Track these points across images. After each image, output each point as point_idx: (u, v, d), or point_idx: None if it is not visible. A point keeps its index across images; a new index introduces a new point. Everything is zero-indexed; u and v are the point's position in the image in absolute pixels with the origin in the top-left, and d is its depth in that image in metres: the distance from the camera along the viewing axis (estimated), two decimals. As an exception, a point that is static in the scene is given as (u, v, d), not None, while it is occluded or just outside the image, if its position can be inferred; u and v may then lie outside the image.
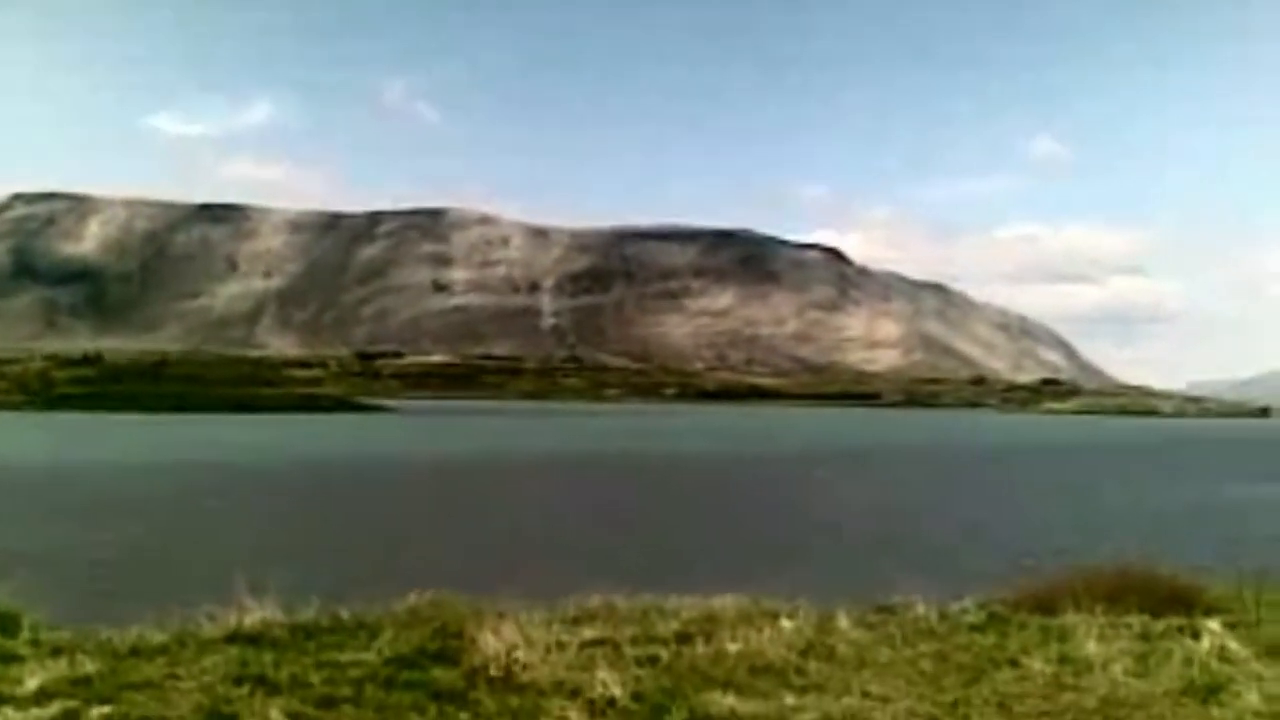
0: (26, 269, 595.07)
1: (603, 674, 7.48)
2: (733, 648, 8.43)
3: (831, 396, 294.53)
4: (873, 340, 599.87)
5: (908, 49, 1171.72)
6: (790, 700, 7.21)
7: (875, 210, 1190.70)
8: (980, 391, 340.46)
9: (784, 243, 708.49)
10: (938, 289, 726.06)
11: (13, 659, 7.88)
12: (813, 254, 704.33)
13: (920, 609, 10.09)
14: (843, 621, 9.51)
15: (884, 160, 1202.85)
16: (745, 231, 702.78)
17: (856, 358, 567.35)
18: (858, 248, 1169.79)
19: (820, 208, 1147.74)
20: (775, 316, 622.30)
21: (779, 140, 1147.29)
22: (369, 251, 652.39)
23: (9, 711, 6.57)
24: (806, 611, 9.82)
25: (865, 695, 7.41)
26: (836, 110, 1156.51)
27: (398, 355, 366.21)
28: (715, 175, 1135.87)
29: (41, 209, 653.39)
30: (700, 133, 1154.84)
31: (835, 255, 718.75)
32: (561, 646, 8.30)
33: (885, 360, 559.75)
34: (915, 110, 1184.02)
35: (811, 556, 27.96)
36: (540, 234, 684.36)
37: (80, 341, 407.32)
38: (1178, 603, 10.75)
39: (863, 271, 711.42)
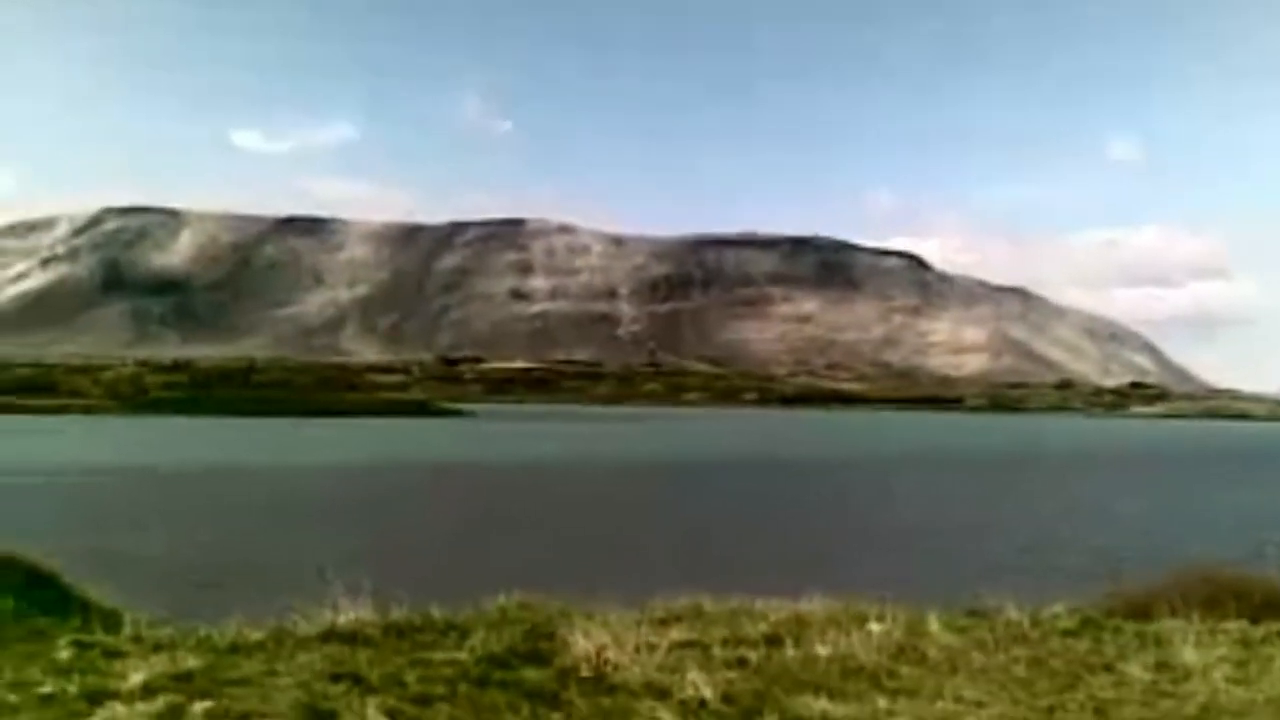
0: (118, 280, 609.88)
1: (693, 675, 7.49)
2: (823, 650, 8.39)
3: (914, 401, 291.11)
4: (958, 345, 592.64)
5: (977, 53, 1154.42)
6: (882, 704, 7.17)
7: (950, 215, 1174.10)
8: (1066, 396, 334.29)
9: (862, 249, 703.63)
10: (1019, 293, 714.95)
11: (116, 655, 8.08)
12: (892, 259, 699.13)
13: (1012, 613, 9.97)
14: (933, 625, 9.42)
15: (958, 164, 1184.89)
16: (822, 238, 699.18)
17: (940, 362, 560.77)
18: (934, 253, 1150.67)
19: (894, 213, 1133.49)
20: (857, 322, 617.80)
21: (851, 146, 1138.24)
22: (450, 261, 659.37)
23: (115, 706, 6.74)
24: (896, 615, 9.74)
25: (958, 700, 7.34)
26: (907, 115, 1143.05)
27: (479, 361, 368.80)
28: (787, 182, 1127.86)
29: (133, 222, 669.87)
30: (772, 139, 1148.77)
31: (915, 260, 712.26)
32: (651, 648, 8.32)
33: (971, 365, 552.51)
34: (987, 114, 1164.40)
35: (898, 560, 27.71)
36: (618, 242, 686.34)
37: (169, 350, 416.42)
38: (1275, 609, 10.51)
39: (943, 277, 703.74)
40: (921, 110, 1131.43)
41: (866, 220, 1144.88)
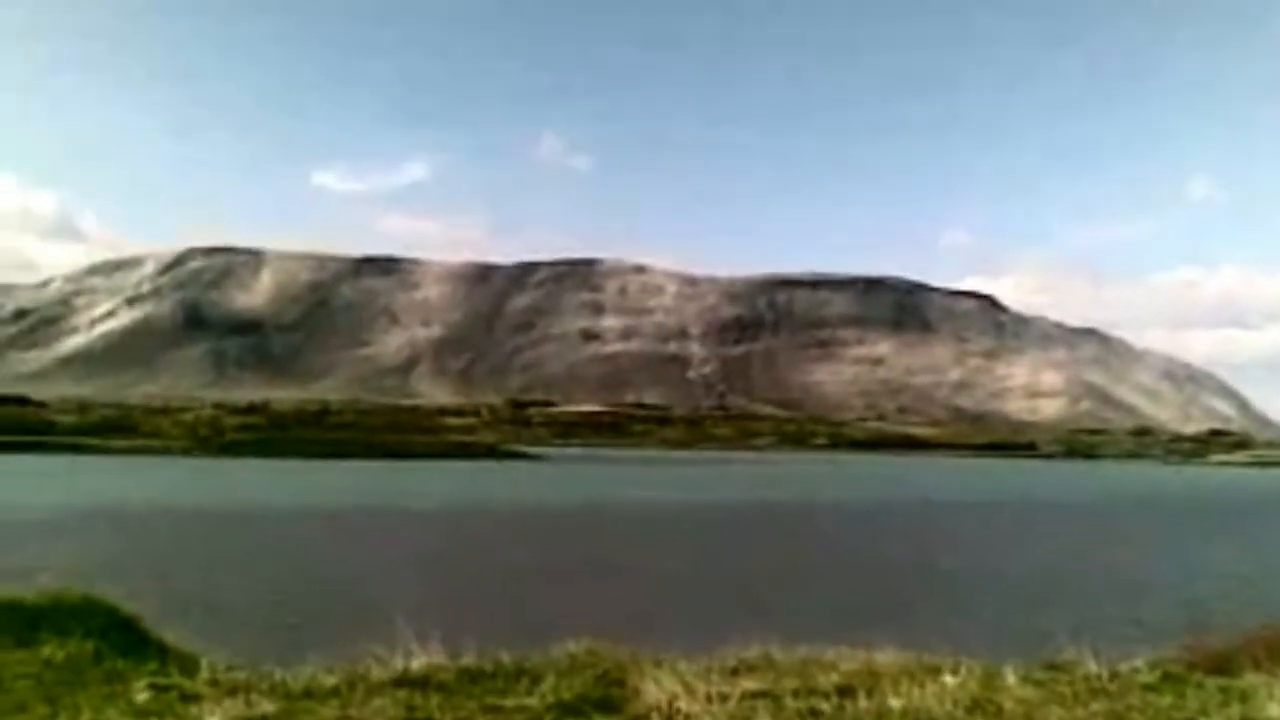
0: (199, 320, 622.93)
1: (765, 726, 7.44)
2: (896, 703, 8.27)
3: (987, 447, 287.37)
4: (1034, 389, 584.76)
5: (1053, 92, 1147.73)
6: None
7: (1024, 255, 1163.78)
8: (1144, 442, 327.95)
9: (935, 289, 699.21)
10: (1096, 335, 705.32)
11: (193, 698, 8.21)
12: (966, 301, 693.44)
13: (1090, 666, 9.75)
14: (1009, 678, 9.25)
15: (1033, 204, 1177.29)
16: (895, 278, 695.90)
17: (1016, 407, 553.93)
18: (1008, 294, 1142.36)
19: (968, 254, 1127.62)
20: (930, 365, 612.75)
21: (924, 186, 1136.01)
22: (522, 301, 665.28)
23: (192, 749, 6.84)
24: (970, 667, 9.59)
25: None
26: (981, 154, 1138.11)
27: (549, 404, 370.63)
28: (860, 222, 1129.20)
29: (215, 262, 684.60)
30: (845, 180, 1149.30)
31: (990, 302, 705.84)
32: (722, 697, 8.26)
33: (1047, 410, 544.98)
34: (1061, 154, 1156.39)
35: (973, 610, 27.30)
36: (691, 282, 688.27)
37: (247, 390, 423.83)
38: (1367, 666, 10.19)
39: (1018, 318, 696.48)
40: (996, 149, 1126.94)
41: (940, 261, 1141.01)
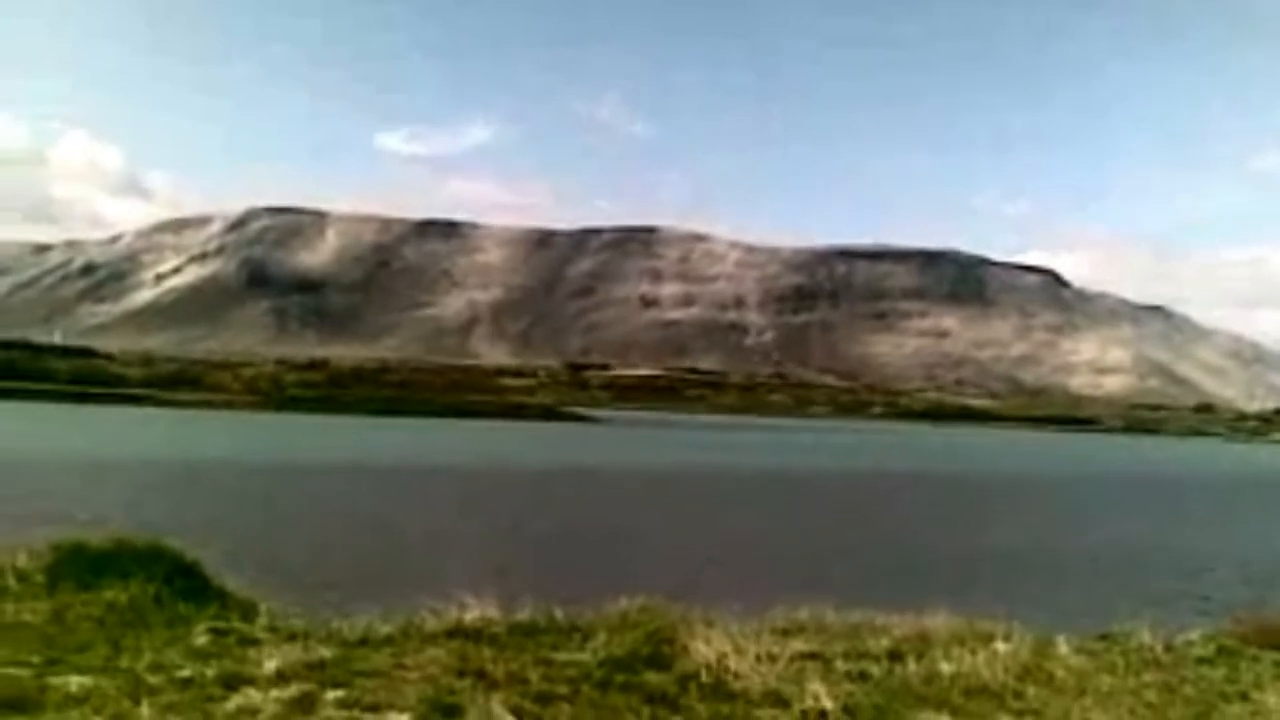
0: (260, 279, 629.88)
1: (814, 686, 7.46)
2: (946, 668, 8.27)
3: (1046, 420, 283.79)
4: (1100, 365, 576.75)
5: (1119, 65, 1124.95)
6: (1007, 723, 7.04)
7: (1087, 230, 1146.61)
8: (1206, 420, 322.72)
9: (996, 264, 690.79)
10: (1161, 312, 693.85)
11: (252, 643, 8.39)
12: (1027, 275, 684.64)
13: (1144, 638, 9.68)
14: (1061, 647, 9.22)
15: (1096, 179, 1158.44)
16: (956, 252, 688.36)
17: (1080, 382, 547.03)
18: (1070, 269, 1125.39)
19: (1030, 228, 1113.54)
20: (992, 338, 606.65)
21: (987, 159, 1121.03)
22: (582, 266, 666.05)
23: (250, 691, 6.99)
24: (1022, 635, 9.55)
25: (1086, 723, 7.17)
26: (1044, 127, 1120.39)
27: (606, 367, 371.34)
28: (921, 195, 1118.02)
29: (279, 222, 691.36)
30: (904, 150, 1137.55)
31: (1052, 277, 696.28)
32: (771, 657, 8.31)
33: (1112, 386, 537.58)
34: (1127, 127, 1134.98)
35: (1025, 581, 27.09)
36: (750, 251, 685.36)
37: (307, 348, 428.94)
38: None
39: (1081, 294, 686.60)
40: (1060, 123, 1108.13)
41: (1001, 234, 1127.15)
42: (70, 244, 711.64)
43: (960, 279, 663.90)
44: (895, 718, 6.98)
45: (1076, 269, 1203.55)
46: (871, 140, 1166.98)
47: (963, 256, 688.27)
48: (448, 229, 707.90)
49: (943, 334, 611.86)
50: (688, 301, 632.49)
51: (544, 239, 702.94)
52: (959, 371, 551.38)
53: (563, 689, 7.40)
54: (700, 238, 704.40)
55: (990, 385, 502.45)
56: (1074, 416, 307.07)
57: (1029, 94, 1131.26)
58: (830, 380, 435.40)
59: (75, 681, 6.95)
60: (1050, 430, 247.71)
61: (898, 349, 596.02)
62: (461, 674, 7.59)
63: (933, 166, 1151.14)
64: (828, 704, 7.16)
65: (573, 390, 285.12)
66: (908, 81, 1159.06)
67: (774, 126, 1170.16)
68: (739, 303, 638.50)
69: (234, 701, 6.75)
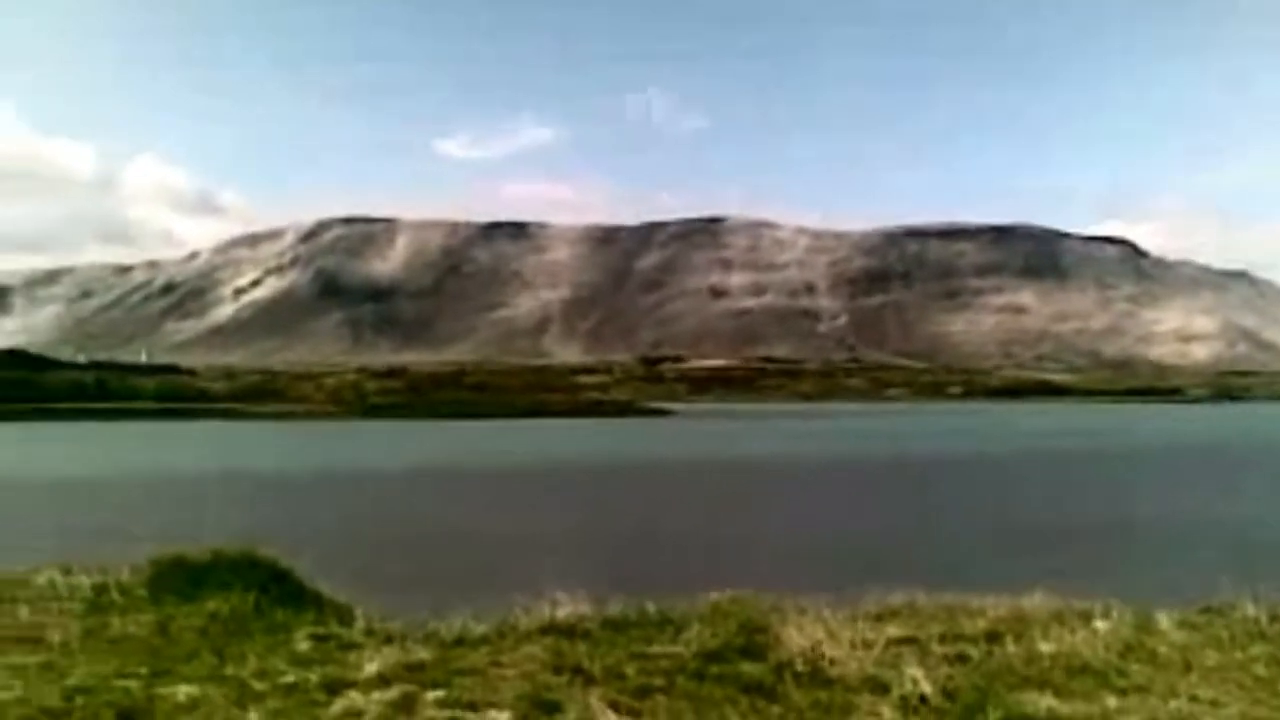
0: (333, 289, 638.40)
1: (911, 671, 7.40)
2: (1046, 648, 8.16)
3: (1130, 393, 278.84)
4: (1186, 334, 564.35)
5: (1183, 33, 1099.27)
6: (1112, 702, 6.92)
7: (1162, 199, 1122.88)
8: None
9: (1070, 236, 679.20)
10: (1244, 278, 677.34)
11: (351, 647, 8.53)
12: (1103, 246, 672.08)
13: (1249, 610, 9.46)
14: (1163, 623, 9.05)
15: (1169, 146, 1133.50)
16: (1028, 226, 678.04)
17: (1164, 352, 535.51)
18: (1148, 238, 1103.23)
19: (1103, 198, 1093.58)
20: (1071, 312, 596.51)
21: (1055, 130, 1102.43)
22: (649, 260, 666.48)
23: (353, 694, 7.11)
24: (1122, 612, 9.41)
25: (1193, 699, 7.03)
26: (1114, 96, 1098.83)
27: (679, 360, 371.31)
28: (990, 171, 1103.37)
29: (348, 232, 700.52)
30: (970, 126, 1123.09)
31: (1129, 247, 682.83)
32: (867, 644, 8.26)
33: (1199, 354, 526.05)
34: (1198, 94, 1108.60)
35: (1122, 557, 26.65)
36: (817, 236, 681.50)
37: (382, 355, 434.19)
38: None
39: (1160, 263, 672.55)
40: (1129, 91, 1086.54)
41: (1074, 206, 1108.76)
42: (151, 264, 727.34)
43: (1035, 253, 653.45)
44: (996, 700, 6.89)
45: (1152, 239, 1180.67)
46: (936, 118, 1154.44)
47: (1036, 230, 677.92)
48: (514, 230, 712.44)
49: (1019, 310, 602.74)
50: (758, 290, 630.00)
51: (610, 235, 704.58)
52: (1037, 347, 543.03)
53: (659, 682, 7.42)
54: (767, 225, 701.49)
55: (1070, 360, 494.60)
56: (1157, 387, 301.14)
57: (1098, 67, 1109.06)
58: (906, 362, 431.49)
59: (183, 691, 7.11)
60: (1134, 402, 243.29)
61: (974, 327, 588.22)
62: (558, 670, 7.65)
63: (999, 142, 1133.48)
64: (927, 688, 7.10)
65: (647, 385, 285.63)
66: (971, 58, 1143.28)
67: (833, 110, 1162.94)
68: (810, 289, 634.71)
69: (338, 705, 6.86)
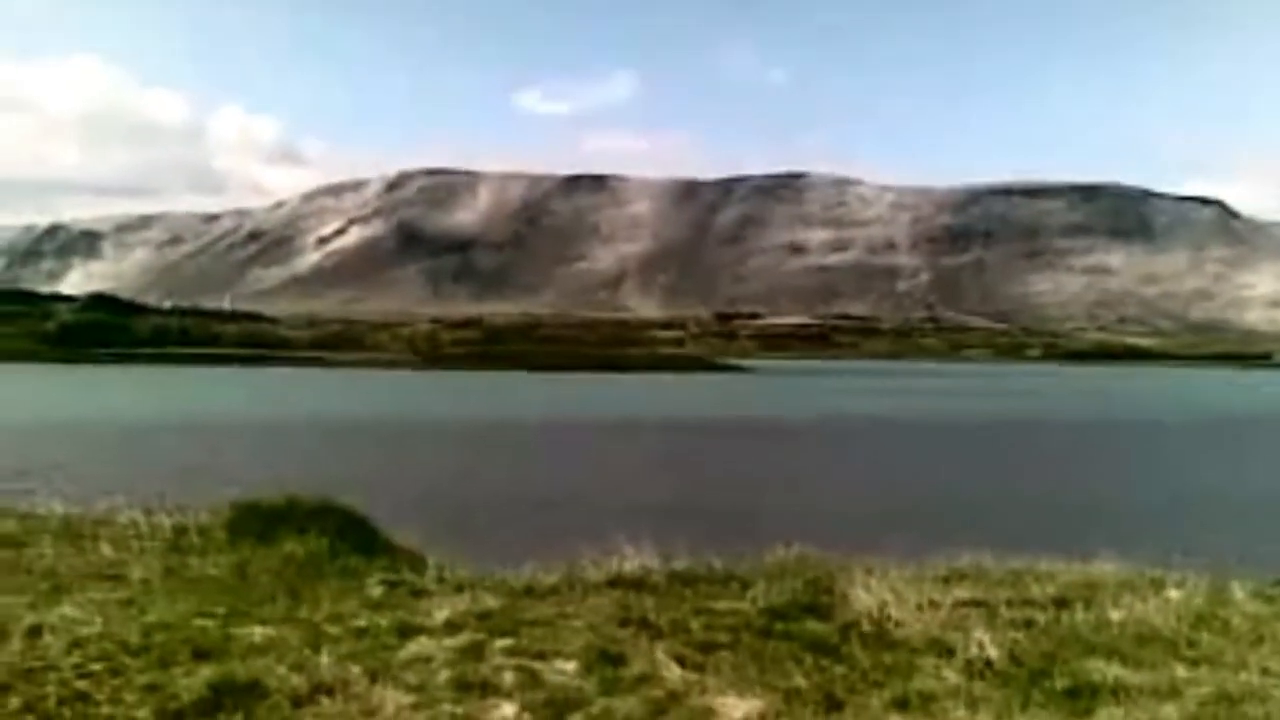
0: (413, 241, 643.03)
1: (978, 634, 7.36)
2: (1115, 615, 8.06)
3: (1217, 357, 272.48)
4: (1277, 299, 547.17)
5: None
6: (1181, 672, 6.83)
7: (1256, 158, 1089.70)
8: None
9: (1159, 195, 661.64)
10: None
11: (422, 593, 8.69)
12: (1194, 207, 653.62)
13: (1327, 582, 9.27)
14: (1237, 593, 8.90)
15: (1261, 102, 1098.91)
16: (1115, 185, 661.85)
17: (1256, 316, 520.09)
18: (1238, 198, 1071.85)
19: (1192, 157, 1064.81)
20: (1157, 273, 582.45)
21: (1141, 86, 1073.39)
22: (729, 216, 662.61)
23: (423, 639, 7.24)
24: (1195, 581, 9.27)
25: (1265, 672, 6.91)
26: (1200, 52, 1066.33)
27: (755, 316, 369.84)
28: (1074, 126, 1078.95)
29: (431, 183, 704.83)
30: (1054, 83, 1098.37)
31: (1220, 207, 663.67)
32: (933, 605, 8.22)
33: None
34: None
35: (1199, 525, 26.18)
36: (897, 193, 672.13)
37: (461, 307, 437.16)
38: None
39: (1253, 224, 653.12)
40: (1216, 46, 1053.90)
41: (1161, 165, 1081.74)
42: (238, 212, 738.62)
43: (1120, 212, 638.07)
44: (1063, 666, 6.84)
45: (1243, 199, 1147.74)
46: (1023, 73, 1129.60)
47: (1123, 189, 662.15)
48: (594, 183, 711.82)
49: (1106, 271, 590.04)
50: (837, 247, 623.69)
51: (690, 189, 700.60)
52: (1121, 309, 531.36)
53: (724, 637, 7.46)
54: (849, 182, 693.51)
55: (1156, 323, 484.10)
56: (1246, 352, 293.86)
57: (1181, 19, 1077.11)
58: (985, 323, 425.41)
59: (258, 632, 7.29)
60: (1221, 367, 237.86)
61: (1057, 288, 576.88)
62: (624, 623, 7.71)
63: (1085, 100, 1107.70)
64: (993, 652, 7.06)
65: (723, 340, 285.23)
66: (1057, 14, 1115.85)
67: (917, 64, 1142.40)
68: (890, 246, 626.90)
69: (408, 650, 6.99)
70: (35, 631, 6.99)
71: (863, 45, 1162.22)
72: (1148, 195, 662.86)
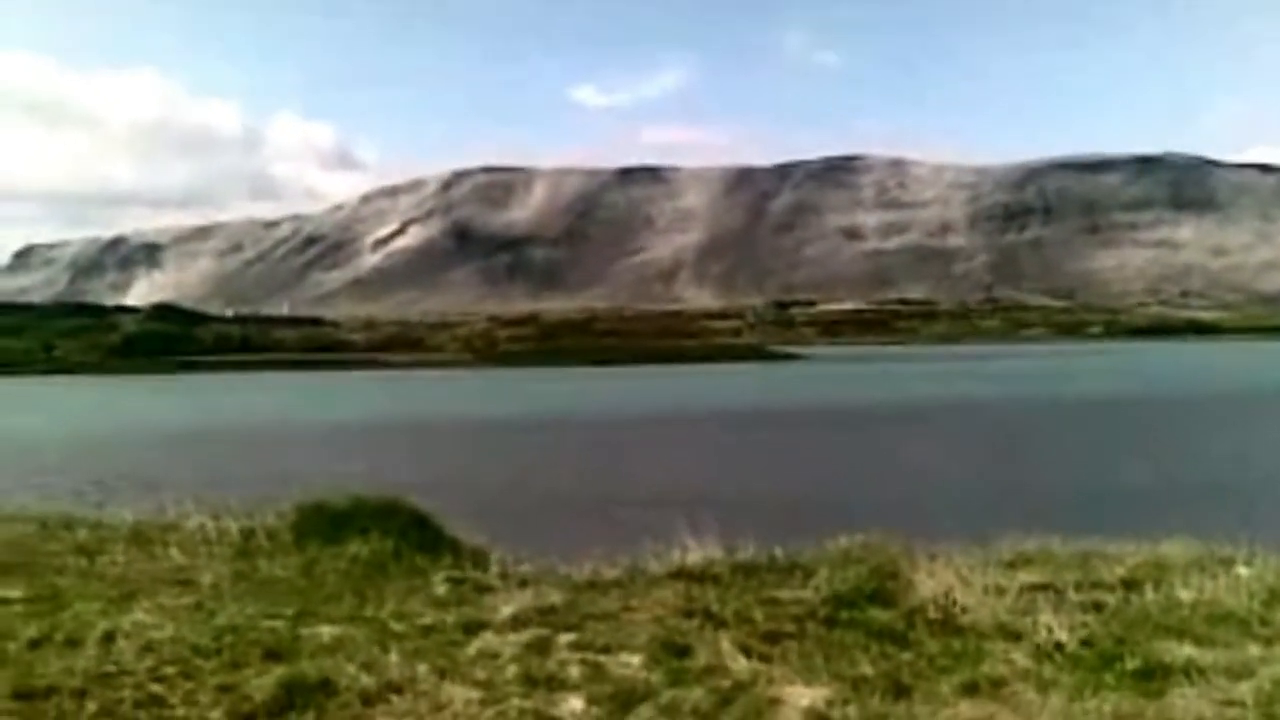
0: (469, 239, 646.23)
1: (1046, 618, 7.30)
2: (1185, 595, 7.96)
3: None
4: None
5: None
6: (1255, 651, 6.73)
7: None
8: None
9: (1221, 164, 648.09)
10: None
11: (486, 590, 8.75)
12: (1254, 174, 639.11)
13: (1400, 560, 9.07)
14: (1311, 570, 8.75)
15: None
16: (1174, 155, 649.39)
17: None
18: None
19: (1253, 122, 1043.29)
20: (1222, 245, 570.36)
21: (1195, 52, 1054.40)
22: (782, 202, 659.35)
23: (489, 636, 7.30)
24: (1266, 559, 9.11)
25: (1340, 648, 6.79)
26: (1257, 11, 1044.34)
27: (811, 303, 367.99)
28: (1128, 96, 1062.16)
29: (485, 181, 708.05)
30: (1109, 52, 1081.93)
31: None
32: (999, 590, 8.16)
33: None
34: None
35: (1266, 503, 25.74)
36: (952, 173, 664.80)
37: (517, 304, 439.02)
38: None
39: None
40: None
41: (1220, 132, 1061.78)
42: (296, 217, 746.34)
43: (1180, 183, 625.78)
44: (1134, 648, 6.76)
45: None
46: (1073, 46, 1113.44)
47: (1181, 159, 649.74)
48: (648, 175, 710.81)
49: (1169, 244, 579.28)
50: (893, 230, 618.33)
51: (744, 177, 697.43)
52: (1184, 283, 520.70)
53: (789, 627, 7.45)
54: (903, 163, 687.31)
55: (1221, 296, 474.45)
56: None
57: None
58: (1044, 301, 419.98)
59: (326, 631, 7.38)
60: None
61: (1116, 262, 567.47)
62: (689, 614, 7.72)
63: (1139, 69, 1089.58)
64: (1062, 636, 7.00)
65: (779, 329, 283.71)
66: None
67: (967, 42, 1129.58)
68: (946, 228, 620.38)
69: (474, 646, 7.05)
70: (109, 637, 7.11)
71: (913, 26, 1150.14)
72: (1207, 164, 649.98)
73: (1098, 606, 7.82)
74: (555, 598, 8.28)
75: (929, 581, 8.20)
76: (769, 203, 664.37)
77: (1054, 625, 7.14)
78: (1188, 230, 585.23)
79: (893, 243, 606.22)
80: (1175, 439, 46.87)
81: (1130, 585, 8.35)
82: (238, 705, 6.00)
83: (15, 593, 8.50)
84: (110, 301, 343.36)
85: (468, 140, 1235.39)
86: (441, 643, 7.14)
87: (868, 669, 6.58)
